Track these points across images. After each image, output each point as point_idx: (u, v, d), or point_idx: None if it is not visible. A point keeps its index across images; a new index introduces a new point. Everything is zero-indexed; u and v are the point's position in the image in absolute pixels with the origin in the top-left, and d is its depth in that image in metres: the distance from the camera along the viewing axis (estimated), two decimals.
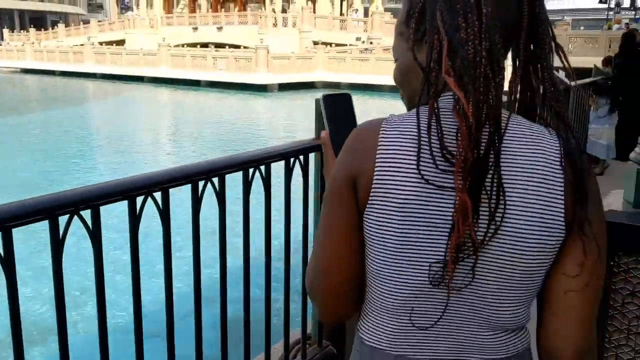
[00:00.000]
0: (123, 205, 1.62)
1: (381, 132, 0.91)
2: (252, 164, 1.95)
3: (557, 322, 0.95)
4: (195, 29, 51.92)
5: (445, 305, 0.92)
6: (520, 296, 0.94)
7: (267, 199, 2.08)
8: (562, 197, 0.89)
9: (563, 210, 0.89)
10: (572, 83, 5.85)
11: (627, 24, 36.60)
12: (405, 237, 0.90)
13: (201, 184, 1.79)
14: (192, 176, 1.76)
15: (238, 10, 55.30)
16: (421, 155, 0.87)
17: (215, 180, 1.84)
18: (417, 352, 0.97)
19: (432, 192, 0.88)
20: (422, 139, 0.87)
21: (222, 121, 23.88)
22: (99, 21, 65.05)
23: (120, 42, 52.67)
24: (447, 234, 0.88)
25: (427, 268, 0.90)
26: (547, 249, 0.91)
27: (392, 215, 0.89)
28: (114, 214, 1.99)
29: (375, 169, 0.90)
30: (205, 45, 43.91)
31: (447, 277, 0.89)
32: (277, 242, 2.25)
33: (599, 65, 8.34)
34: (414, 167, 0.87)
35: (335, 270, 0.99)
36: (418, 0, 0.94)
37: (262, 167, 2.01)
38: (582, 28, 47.36)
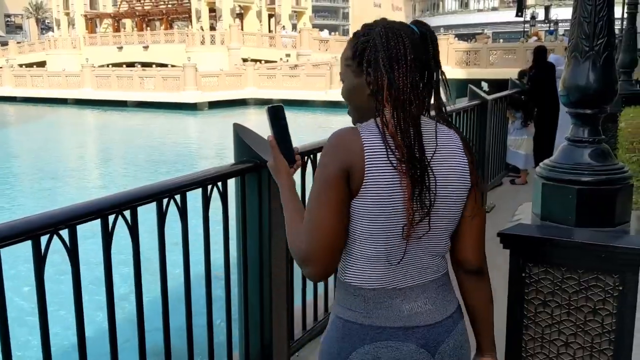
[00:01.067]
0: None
1: (362, 138, 1.36)
2: (165, 194, 1.91)
3: (464, 241, 1.51)
4: (120, 48, 50.80)
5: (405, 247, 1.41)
6: (450, 230, 1.48)
7: (184, 230, 2.04)
8: (467, 169, 1.45)
9: (469, 177, 1.45)
10: (489, 97, 6.08)
11: (550, 31, 38.39)
12: (387, 208, 1.36)
13: (112, 217, 1.74)
14: (102, 210, 1.71)
15: (164, 28, 54.54)
16: (389, 152, 1.34)
17: (128, 213, 1.80)
18: (391, 283, 1.44)
19: (399, 177, 1.35)
20: (388, 141, 1.35)
21: (151, 143, 23.40)
22: (18, 42, 62.62)
23: (42, 64, 50.79)
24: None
25: (401, 227, 1.37)
26: (462, 199, 1.46)
27: (380, 194, 1.35)
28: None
29: (366, 164, 1.34)
30: (131, 64, 43.00)
31: (411, 232, 1.39)
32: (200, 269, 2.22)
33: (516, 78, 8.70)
34: (388, 161, 1.35)
35: (330, 236, 1.37)
36: (361, 47, 1.43)
37: (178, 197, 1.98)
38: (501, 41, 49.36)
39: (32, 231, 1.58)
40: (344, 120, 1.48)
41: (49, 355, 1.64)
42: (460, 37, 48.28)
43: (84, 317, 1.75)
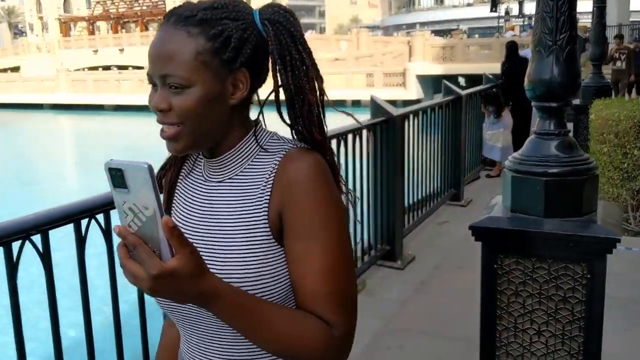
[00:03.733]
0: None
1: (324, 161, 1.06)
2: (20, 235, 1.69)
3: None
4: (96, 51, 50.31)
5: None
6: None
7: (49, 282, 1.83)
8: None
9: None
10: (463, 92, 6.15)
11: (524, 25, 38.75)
12: None
13: (84, 222, 1.75)
14: (74, 215, 1.73)
15: (140, 30, 54.12)
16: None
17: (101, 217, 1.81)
18: None
19: None
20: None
21: (131, 145, 23.19)
22: None
23: (16, 69, 50.11)
24: None
25: None
26: None
27: None
28: None
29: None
30: (107, 67, 42.59)
31: None
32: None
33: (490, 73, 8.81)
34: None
35: (356, 290, 1.09)
36: (239, 36, 1.02)
37: (38, 237, 1.76)
38: (476, 36, 49.72)
39: (4, 237, 1.60)
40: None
41: None
42: (437, 33, 48.59)
43: (59, 324, 1.77)
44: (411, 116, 4.86)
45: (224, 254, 1.04)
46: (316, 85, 1.07)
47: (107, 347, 2.08)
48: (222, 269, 1.02)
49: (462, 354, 3.14)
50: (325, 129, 1.09)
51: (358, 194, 4.09)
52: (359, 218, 3.98)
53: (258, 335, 0.96)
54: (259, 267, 1.02)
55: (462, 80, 29.65)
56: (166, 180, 1.20)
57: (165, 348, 1.28)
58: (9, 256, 1.65)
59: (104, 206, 1.93)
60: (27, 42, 56.27)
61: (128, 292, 2.10)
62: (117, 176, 0.85)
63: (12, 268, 1.65)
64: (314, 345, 0.98)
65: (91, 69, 44.78)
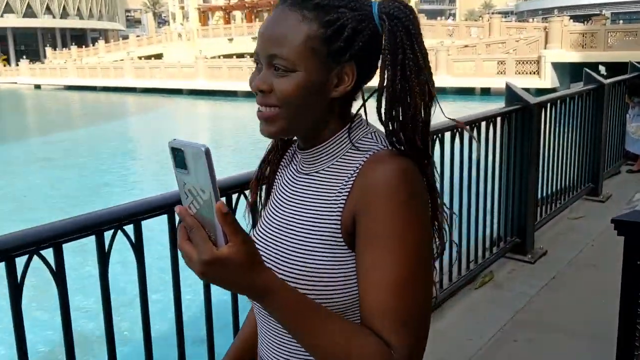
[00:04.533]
0: None
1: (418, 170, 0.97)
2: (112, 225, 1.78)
3: None
4: (231, 40, 52.65)
5: None
6: None
7: (140, 273, 1.92)
8: None
9: None
10: (606, 81, 5.80)
11: None
12: None
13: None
14: (96, 226, 1.74)
15: None
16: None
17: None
18: None
19: None
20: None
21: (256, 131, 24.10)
22: (137, 36, 66.60)
23: (159, 56, 53.78)
24: None
25: None
26: None
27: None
28: None
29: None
30: (241, 55, 44.44)
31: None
32: None
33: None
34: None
35: (430, 309, 0.98)
36: (353, 27, 0.97)
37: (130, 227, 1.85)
38: (621, 22, 46.22)
39: (95, 226, 1.72)
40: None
41: None
42: (576, 19, 45.74)
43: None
44: (549, 105, 4.68)
45: (290, 248, 1.01)
46: (427, 89, 0.98)
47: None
48: (285, 265, 1.00)
49: (593, 351, 3.02)
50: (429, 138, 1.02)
51: (489, 183, 4.02)
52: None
53: (310, 343, 0.90)
54: (320, 267, 0.97)
55: (602, 69, 27.75)
56: (269, 171, 1.18)
57: (244, 340, 1.26)
58: (100, 245, 1.74)
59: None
60: (170, 30, 60.05)
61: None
62: (178, 156, 0.83)
63: (104, 257, 1.75)
64: (418, 332, 0.91)
65: (226, 56, 46.96)
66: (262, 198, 1.20)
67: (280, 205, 1.08)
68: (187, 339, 2.04)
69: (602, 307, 3.51)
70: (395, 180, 0.92)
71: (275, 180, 1.16)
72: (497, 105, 4.25)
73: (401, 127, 0.98)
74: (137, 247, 1.86)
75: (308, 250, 0.98)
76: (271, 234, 1.06)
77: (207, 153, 0.80)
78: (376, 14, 0.98)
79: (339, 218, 0.97)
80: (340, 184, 0.98)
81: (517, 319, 3.41)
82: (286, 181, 1.11)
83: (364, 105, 1.07)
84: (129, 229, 1.82)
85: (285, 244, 1.02)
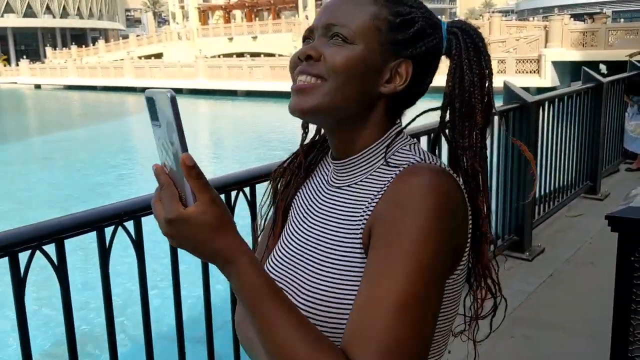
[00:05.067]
0: None
1: (461, 188, 0.88)
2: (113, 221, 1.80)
3: None
4: (231, 39, 52.67)
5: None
6: None
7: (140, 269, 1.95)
8: None
9: None
10: (605, 80, 5.82)
11: None
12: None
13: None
14: (97, 222, 1.76)
15: (272, 18, 55.88)
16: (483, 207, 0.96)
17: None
18: None
19: None
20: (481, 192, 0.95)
21: (260, 130, 24.20)
22: (138, 35, 66.64)
23: (159, 55, 53.81)
24: None
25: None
26: None
27: (464, 265, 0.91)
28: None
29: (470, 226, 0.90)
30: (241, 54, 44.47)
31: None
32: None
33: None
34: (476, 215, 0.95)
35: (426, 355, 0.81)
36: (424, 23, 0.94)
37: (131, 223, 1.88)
38: (622, 20, 46.22)
39: (96, 222, 1.73)
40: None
41: None
42: (577, 17, 45.74)
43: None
44: (546, 103, 4.70)
45: (313, 266, 0.91)
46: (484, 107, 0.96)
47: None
48: (306, 281, 0.91)
49: (590, 348, 3.05)
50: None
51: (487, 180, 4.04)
52: None
53: (263, 333, 0.78)
54: (343, 289, 0.86)
55: (603, 68, 27.73)
56: (291, 182, 1.08)
57: None
58: (101, 240, 1.76)
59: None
60: (170, 30, 60.07)
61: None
62: (151, 106, 0.77)
63: (104, 252, 1.77)
64: None
65: (226, 56, 46.98)
66: (272, 207, 1.09)
67: (306, 218, 0.99)
68: (187, 335, 2.07)
69: (599, 304, 3.53)
70: (421, 194, 0.81)
71: (300, 192, 1.06)
72: (497, 104, 4.27)
73: (467, 150, 0.94)
74: (137, 243, 1.88)
75: (332, 270, 0.88)
76: (294, 253, 0.96)
77: (173, 99, 0.73)
78: (445, 30, 0.97)
79: (361, 232, 0.87)
80: (369, 199, 0.89)
81: (514, 316, 3.43)
82: (313, 194, 1.02)
83: (415, 119, 1.05)
84: (130, 225, 1.84)
85: (305, 260, 0.93)
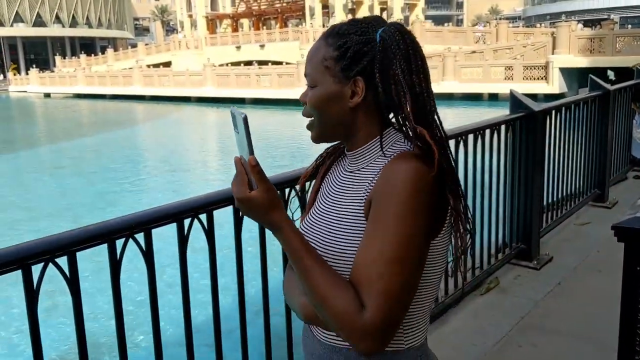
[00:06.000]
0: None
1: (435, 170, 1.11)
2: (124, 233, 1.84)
3: None
4: (239, 47, 52.93)
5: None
6: None
7: (150, 279, 1.99)
8: None
9: None
10: (612, 87, 5.82)
11: None
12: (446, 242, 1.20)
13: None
14: (108, 235, 1.80)
15: (279, 27, 56.05)
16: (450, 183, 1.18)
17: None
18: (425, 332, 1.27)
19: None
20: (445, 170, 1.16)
21: (268, 137, 24.26)
22: (146, 44, 66.95)
23: (167, 64, 54.07)
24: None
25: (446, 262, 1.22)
26: None
27: (445, 229, 1.18)
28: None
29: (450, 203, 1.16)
30: (248, 62, 44.66)
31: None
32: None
33: None
34: (449, 190, 1.17)
35: (412, 295, 1.13)
36: (356, 49, 1.18)
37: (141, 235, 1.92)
38: (629, 26, 46.08)
39: (108, 234, 1.77)
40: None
41: None
42: (584, 23, 45.64)
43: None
44: (553, 112, 4.71)
45: (329, 228, 1.22)
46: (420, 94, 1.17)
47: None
48: (325, 236, 1.21)
49: (596, 357, 3.05)
50: (440, 133, 1.18)
51: (494, 190, 4.06)
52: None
53: (301, 279, 1.14)
54: (349, 244, 1.16)
55: (611, 74, 27.65)
56: (322, 168, 1.40)
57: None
58: (112, 253, 1.80)
59: (207, 205, 2.07)
60: (178, 38, 60.35)
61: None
62: (234, 120, 1.15)
63: (115, 264, 1.81)
64: (340, 315, 1.08)
65: (234, 64, 47.22)
66: (311, 190, 1.41)
67: (328, 196, 1.29)
68: (196, 344, 2.09)
69: (607, 313, 3.53)
70: (402, 176, 1.10)
71: (327, 177, 1.37)
72: (504, 111, 4.28)
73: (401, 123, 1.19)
74: (148, 255, 1.91)
75: (341, 231, 1.19)
76: (318, 218, 1.27)
77: (245, 119, 1.12)
78: (378, 37, 1.19)
79: (363, 206, 1.17)
80: (369, 180, 1.18)
81: (522, 324, 3.44)
82: (336, 178, 1.31)
83: (398, 117, 1.21)
84: (140, 237, 1.87)
85: (326, 225, 1.23)
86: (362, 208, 1.17)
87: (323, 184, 1.37)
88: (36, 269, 1.60)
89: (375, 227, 1.10)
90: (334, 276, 1.11)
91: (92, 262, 2.89)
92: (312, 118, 1.26)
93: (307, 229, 1.29)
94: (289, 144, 21.64)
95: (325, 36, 1.25)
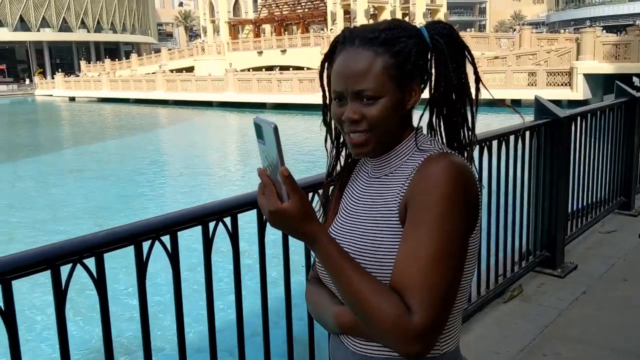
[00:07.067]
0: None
1: (470, 169, 1.17)
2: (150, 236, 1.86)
3: None
4: (260, 53, 53.20)
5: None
6: None
7: (175, 281, 2.00)
8: None
9: None
10: (638, 94, 5.74)
11: None
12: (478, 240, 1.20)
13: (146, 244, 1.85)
14: (134, 237, 1.82)
15: (301, 32, 56.26)
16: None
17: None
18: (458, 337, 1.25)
19: None
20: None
21: (288, 142, 24.31)
22: (169, 49, 67.72)
23: (190, 69, 54.56)
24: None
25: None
26: None
27: (478, 226, 1.18)
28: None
29: (480, 197, 1.19)
30: (270, 68, 44.83)
31: None
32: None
33: None
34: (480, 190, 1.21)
35: (455, 295, 1.13)
36: (411, 51, 1.18)
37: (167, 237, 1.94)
38: None
39: (134, 237, 1.79)
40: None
41: None
42: (609, 29, 45.08)
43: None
44: (579, 118, 4.66)
45: (361, 234, 1.19)
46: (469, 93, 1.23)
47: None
48: (356, 242, 1.19)
49: None
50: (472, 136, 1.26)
51: (518, 196, 4.02)
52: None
53: (341, 288, 1.12)
54: (383, 249, 1.15)
55: (637, 81, 27.26)
56: (339, 183, 1.37)
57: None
58: (138, 255, 1.82)
59: (232, 209, 2.08)
60: (201, 44, 60.87)
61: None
62: (258, 130, 1.09)
63: (141, 266, 1.83)
64: (390, 321, 1.05)
65: (255, 69, 47.43)
66: (330, 198, 1.39)
67: (353, 202, 1.27)
68: (219, 346, 2.10)
69: (633, 322, 3.48)
70: (442, 174, 1.10)
71: (348, 186, 1.34)
72: (527, 117, 4.24)
73: (452, 125, 1.24)
74: (173, 257, 1.93)
75: (375, 237, 1.17)
76: (345, 226, 1.24)
77: (275, 129, 1.05)
78: (427, 36, 1.21)
79: (397, 208, 1.15)
80: (403, 180, 1.17)
81: (546, 333, 3.40)
82: (359, 186, 1.29)
83: (422, 115, 1.26)
84: (166, 239, 1.89)
85: (358, 233, 1.20)
86: (396, 212, 1.15)
87: (345, 193, 1.34)
88: (64, 270, 1.62)
89: (417, 228, 1.09)
90: (376, 282, 1.09)
91: (115, 264, 2.91)
92: (366, 133, 1.18)
93: (337, 234, 1.25)
94: (312, 148, 21.68)
95: (369, 46, 1.17)
